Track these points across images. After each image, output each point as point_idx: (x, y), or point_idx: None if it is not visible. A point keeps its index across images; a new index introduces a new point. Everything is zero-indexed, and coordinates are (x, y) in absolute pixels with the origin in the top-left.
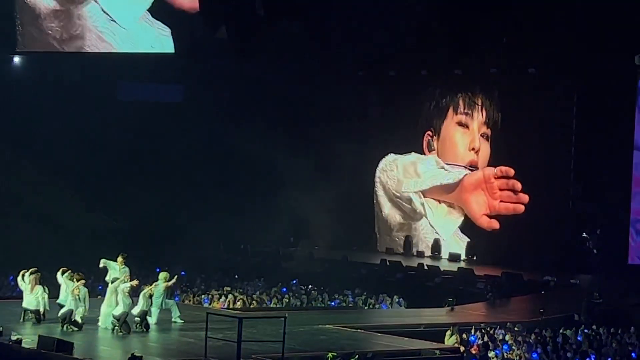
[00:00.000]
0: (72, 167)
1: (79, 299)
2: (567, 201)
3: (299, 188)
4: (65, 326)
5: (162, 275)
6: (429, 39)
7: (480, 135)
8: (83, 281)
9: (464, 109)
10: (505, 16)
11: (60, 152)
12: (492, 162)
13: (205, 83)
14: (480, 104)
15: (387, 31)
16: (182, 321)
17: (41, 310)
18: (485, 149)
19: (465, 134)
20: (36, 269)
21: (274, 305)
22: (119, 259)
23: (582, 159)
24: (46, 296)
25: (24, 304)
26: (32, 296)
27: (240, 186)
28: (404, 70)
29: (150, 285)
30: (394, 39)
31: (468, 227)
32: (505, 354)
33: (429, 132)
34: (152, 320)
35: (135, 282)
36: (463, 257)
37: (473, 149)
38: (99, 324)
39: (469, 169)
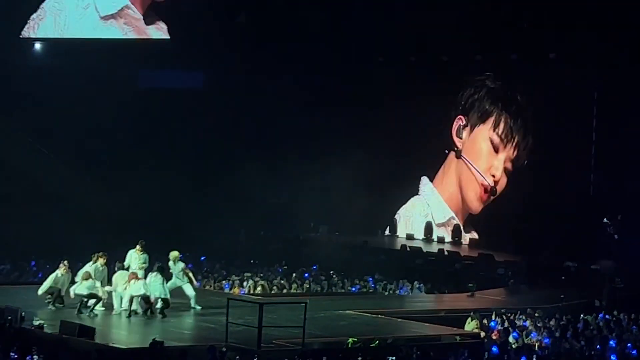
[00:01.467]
0: (93, 155)
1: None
2: (588, 187)
3: (318, 173)
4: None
5: (173, 254)
6: (450, 24)
7: (504, 167)
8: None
9: (502, 133)
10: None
11: (81, 139)
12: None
13: (225, 69)
14: (516, 140)
15: (408, 16)
16: (199, 307)
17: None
18: (502, 182)
19: (491, 155)
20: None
21: (295, 291)
22: (137, 246)
23: (603, 144)
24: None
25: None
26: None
27: (260, 171)
28: (424, 56)
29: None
30: (415, 24)
31: (487, 213)
32: (525, 340)
33: (461, 118)
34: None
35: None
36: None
37: (493, 175)
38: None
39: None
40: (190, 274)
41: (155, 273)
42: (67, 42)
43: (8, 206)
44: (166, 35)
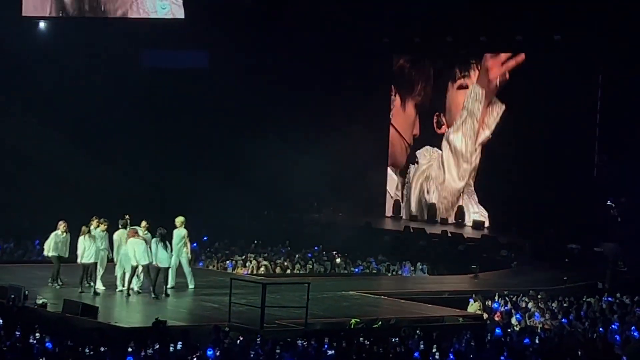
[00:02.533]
0: (96, 134)
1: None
2: (591, 169)
3: (322, 153)
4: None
5: (180, 219)
6: (453, 5)
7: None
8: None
9: (461, 73)
10: None
11: (84, 118)
12: (515, 130)
13: (230, 49)
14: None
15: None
16: (192, 286)
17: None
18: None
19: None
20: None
21: (298, 272)
22: (143, 223)
23: (607, 126)
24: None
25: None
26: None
27: (263, 151)
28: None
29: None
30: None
31: (492, 194)
32: (528, 321)
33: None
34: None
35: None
36: (487, 224)
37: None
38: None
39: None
40: (188, 242)
41: (157, 239)
42: (69, 20)
43: (12, 185)
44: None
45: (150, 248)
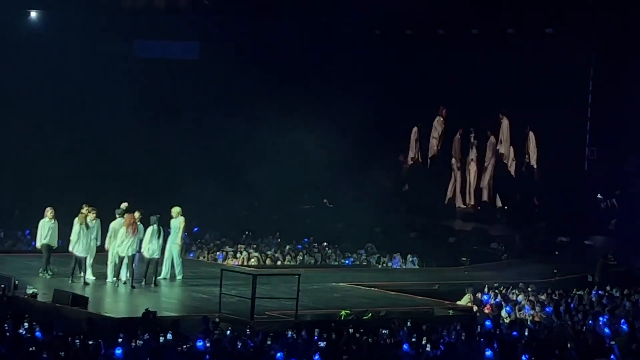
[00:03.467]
0: (87, 125)
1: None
2: (582, 162)
3: (313, 144)
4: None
5: (176, 209)
6: None
7: None
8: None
9: None
10: None
11: (74, 108)
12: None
13: (222, 40)
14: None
15: None
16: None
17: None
18: None
19: None
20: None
21: (288, 263)
22: (136, 214)
23: (598, 121)
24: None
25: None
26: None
27: (253, 144)
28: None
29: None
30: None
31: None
32: (518, 314)
33: None
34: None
35: None
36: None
37: None
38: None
39: None
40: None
41: (153, 227)
42: (61, 10)
43: (2, 175)
44: None
45: (140, 238)
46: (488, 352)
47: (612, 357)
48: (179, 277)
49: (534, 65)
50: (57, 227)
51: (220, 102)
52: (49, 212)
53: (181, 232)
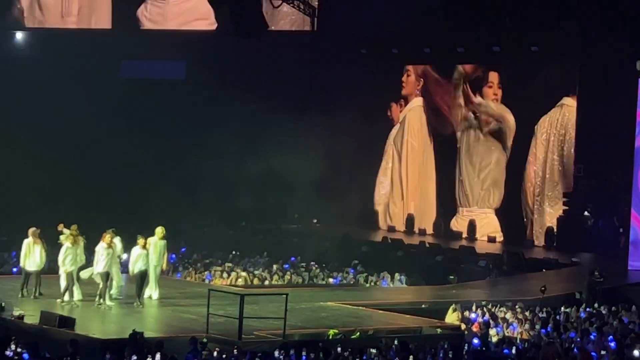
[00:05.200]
0: (73, 144)
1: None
2: (569, 180)
3: (301, 164)
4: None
5: (159, 230)
6: (431, 16)
7: None
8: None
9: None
10: None
11: (62, 128)
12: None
13: (208, 60)
14: None
15: (388, 9)
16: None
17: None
18: None
19: None
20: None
21: (276, 282)
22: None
23: (584, 137)
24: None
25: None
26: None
27: (240, 163)
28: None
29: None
30: (396, 17)
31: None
32: (506, 332)
33: None
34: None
35: None
36: (464, 235)
37: None
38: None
39: None
40: (166, 253)
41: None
42: (47, 31)
43: None
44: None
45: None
46: None
47: None
48: (154, 297)
49: (519, 83)
50: (42, 246)
51: (207, 122)
52: (31, 233)
53: (167, 255)
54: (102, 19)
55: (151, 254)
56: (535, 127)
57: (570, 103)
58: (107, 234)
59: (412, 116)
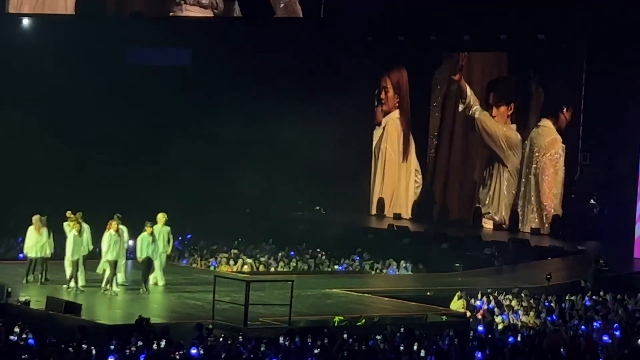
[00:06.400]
0: (80, 131)
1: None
2: (575, 167)
3: (307, 151)
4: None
5: (161, 216)
6: (437, 3)
7: None
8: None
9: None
10: None
11: (67, 116)
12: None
13: (214, 46)
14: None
15: None
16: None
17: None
18: None
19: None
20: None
21: (281, 269)
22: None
23: (590, 126)
24: None
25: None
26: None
27: (246, 149)
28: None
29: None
30: (402, 4)
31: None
32: (512, 319)
33: None
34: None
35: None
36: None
37: None
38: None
39: None
40: (171, 239)
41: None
42: (54, 17)
43: None
44: None
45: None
46: (478, 355)
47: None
48: (160, 283)
49: (525, 70)
50: (47, 235)
51: (213, 108)
52: (35, 221)
53: (172, 240)
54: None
55: (156, 241)
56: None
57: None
58: (113, 221)
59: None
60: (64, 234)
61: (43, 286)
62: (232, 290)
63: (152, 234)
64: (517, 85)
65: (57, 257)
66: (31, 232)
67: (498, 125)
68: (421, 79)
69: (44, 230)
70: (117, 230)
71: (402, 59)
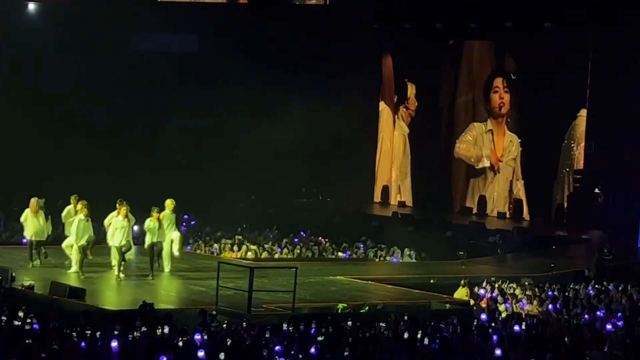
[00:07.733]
0: (83, 116)
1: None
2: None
3: (312, 138)
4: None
5: (169, 202)
6: None
7: None
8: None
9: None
10: None
11: (72, 100)
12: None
13: (220, 32)
14: None
15: None
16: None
17: None
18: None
19: None
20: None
21: (285, 256)
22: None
23: (596, 115)
24: None
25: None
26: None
27: (252, 136)
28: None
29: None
30: None
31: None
32: (516, 308)
33: None
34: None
35: None
36: (474, 210)
37: None
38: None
39: None
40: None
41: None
42: (59, 2)
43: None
44: None
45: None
46: (497, 352)
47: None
48: (166, 270)
49: (532, 59)
50: (44, 219)
51: (219, 94)
52: (32, 204)
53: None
54: None
55: (163, 227)
56: None
57: None
58: (122, 206)
59: None
60: (60, 219)
61: (47, 270)
62: (236, 277)
63: (158, 219)
64: (519, 73)
65: (55, 241)
66: (28, 215)
67: (468, 148)
68: (426, 67)
69: (41, 213)
70: (125, 216)
71: (407, 46)
